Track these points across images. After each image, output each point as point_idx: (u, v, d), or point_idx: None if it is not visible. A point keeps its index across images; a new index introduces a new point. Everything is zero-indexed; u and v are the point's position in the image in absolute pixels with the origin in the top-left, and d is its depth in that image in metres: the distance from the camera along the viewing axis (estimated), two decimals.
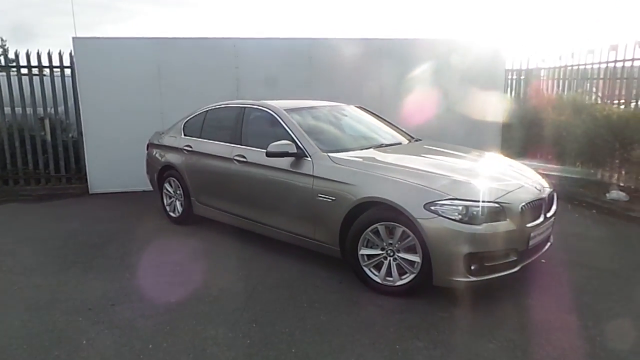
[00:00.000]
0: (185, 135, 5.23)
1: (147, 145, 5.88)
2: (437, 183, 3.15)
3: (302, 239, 3.87)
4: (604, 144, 5.97)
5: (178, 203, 5.29)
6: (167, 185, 5.40)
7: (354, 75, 7.33)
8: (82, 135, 7.09)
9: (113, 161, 7.03)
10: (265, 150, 4.06)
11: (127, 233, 5.00)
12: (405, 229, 3.16)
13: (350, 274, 3.57)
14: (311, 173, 3.69)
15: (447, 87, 7.57)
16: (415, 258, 3.17)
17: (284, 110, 4.26)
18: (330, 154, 3.73)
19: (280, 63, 7.22)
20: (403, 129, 4.87)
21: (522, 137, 7.62)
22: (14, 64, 7.07)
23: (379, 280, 3.33)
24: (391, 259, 3.29)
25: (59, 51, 7.09)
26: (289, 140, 3.89)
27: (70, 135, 7.49)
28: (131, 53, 6.91)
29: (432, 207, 3.02)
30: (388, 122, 4.92)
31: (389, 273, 3.30)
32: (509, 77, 8.68)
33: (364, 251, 3.37)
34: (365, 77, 7.37)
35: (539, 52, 11.37)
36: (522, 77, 8.75)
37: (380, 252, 3.33)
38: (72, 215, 5.81)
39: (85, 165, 7.15)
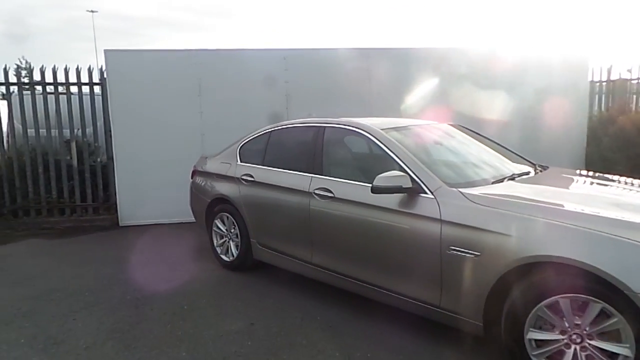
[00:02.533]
0: (242, 161, 4.29)
1: (192, 173, 4.96)
2: None
3: (420, 306, 2.84)
4: None
5: (232, 244, 4.32)
6: (218, 222, 4.45)
7: (417, 89, 6.38)
8: (112, 159, 6.25)
9: (147, 189, 6.15)
10: (362, 183, 3.11)
11: (171, 283, 4.03)
12: (607, 305, 2.11)
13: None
14: (437, 216, 2.68)
15: (526, 100, 6.60)
16: (621, 350, 2.12)
17: (381, 130, 3.29)
18: (461, 190, 2.73)
19: (335, 76, 6.31)
20: (516, 152, 3.85)
21: (611, 155, 6.55)
22: (39, 80, 6.28)
23: None
24: (577, 347, 2.24)
25: (88, 66, 6.30)
26: (400, 171, 2.91)
27: (98, 159, 6.66)
28: (168, 66, 6.10)
29: None
30: (497, 143, 3.90)
31: None
32: (595, 89, 7.63)
33: (534, 334, 2.32)
34: (433, 90, 6.41)
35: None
36: (608, 89, 7.68)
37: (560, 336, 2.28)
38: (100, 257, 4.87)
39: (115, 194, 6.29)
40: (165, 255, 4.86)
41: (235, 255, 4.27)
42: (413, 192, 2.83)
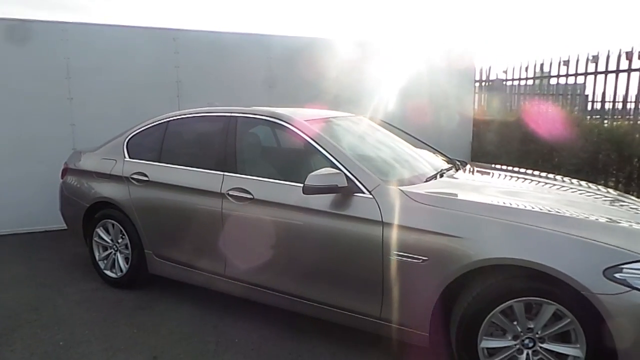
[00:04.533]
0: (131, 157, 3.57)
1: (63, 171, 4.04)
2: (611, 235, 2.07)
3: (356, 318, 2.54)
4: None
5: (121, 257, 3.59)
6: (100, 231, 3.66)
7: (321, 78, 6.13)
8: None
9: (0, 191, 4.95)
10: (287, 183, 2.71)
11: (40, 312, 3.19)
12: (561, 307, 2.03)
13: None
14: (378, 218, 2.40)
15: (416, 96, 6.77)
16: (573, 351, 2.06)
17: (306, 121, 2.91)
18: (402, 188, 2.48)
19: (233, 62, 5.76)
20: (433, 146, 3.78)
21: (493, 149, 7.11)
22: None
23: None
24: (529, 351, 2.13)
25: None
26: (332, 168, 2.57)
27: None
28: (26, 41, 4.94)
29: (618, 275, 1.93)
30: (414, 137, 3.78)
31: None
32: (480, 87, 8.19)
33: (488, 343, 2.16)
34: (334, 79, 6.20)
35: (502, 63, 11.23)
36: (487, 88, 8.30)
37: (512, 342, 2.15)
38: None
39: None
40: (28, 274, 3.90)
41: (124, 270, 3.54)
42: (348, 191, 2.51)
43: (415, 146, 3.54)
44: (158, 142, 3.47)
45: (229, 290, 3.03)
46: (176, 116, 3.48)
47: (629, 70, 5.80)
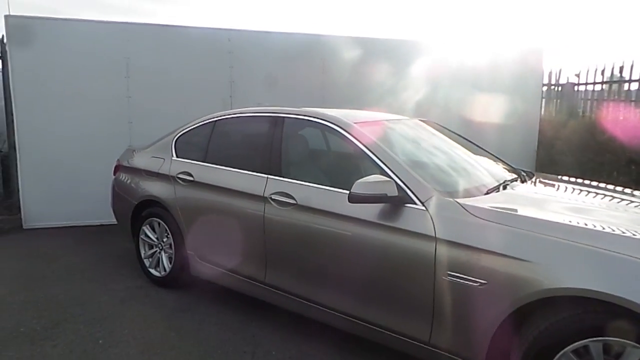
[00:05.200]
0: (179, 157, 3.54)
1: (115, 168, 4.11)
2: None
3: (404, 341, 2.31)
4: None
5: (165, 256, 3.57)
6: (147, 229, 3.66)
7: (379, 80, 5.90)
8: (14, 149, 5.16)
9: (59, 184, 5.16)
10: (333, 189, 2.53)
11: (85, 307, 3.21)
12: None
13: None
14: (431, 233, 2.16)
15: (480, 100, 6.36)
16: None
17: (355, 124, 2.71)
18: (459, 200, 2.22)
19: (286, 63, 5.67)
20: (495, 154, 3.44)
21: (562, 158, 6.54)
22: None
23: None
24: None
25: None
26: (382, 175, 2.36)
27: None
28: (90, 41, 5.12)
29: None
30: (474, 143, 3.47)
31: None
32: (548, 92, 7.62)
33: None
34: (392, 83, 5.96)
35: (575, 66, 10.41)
36: (557, 92, 7.70)
37: None
38: None
39: (18, 190, 5.22)
40: (79, 267, 3.98)
41: (168, 269, 3.52)
42: (399, 202, 2.29)
43: (475, 153, 3.24)
44: (205, 142, 3.41)
45: (269, 299, 2.90)
46: (224, 115, 3.41)
47: None
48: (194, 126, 3.57)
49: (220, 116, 3.42)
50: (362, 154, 2.54)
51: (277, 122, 2.99)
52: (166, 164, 3.55)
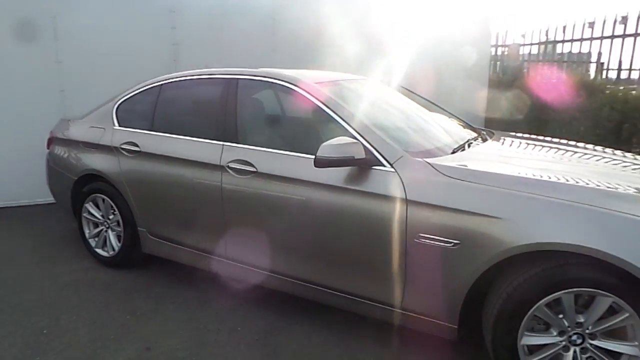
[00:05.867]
0: (121, 125, 3.23)
1: (49, 141, 3.71)
2: None
3: (375, 307, 2.25)
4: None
5: (113, 235, 3.30)
6: (90, 207, 3.36)
7: (328, 40, 5.68)
8: None
9: None
10: (296, 154, 2.37)
11: (25, 294, 2.92)
12: (619, 300, 1.73)
13: None
14: (401, 195, 2.07)
15: (429, 65, 6.33)
16: (628, 349, 1.78)
17: (316, 84, 2.55)
18: (429, 160, 2.15)
19: (234, 24, 5.32)
20: (457, 116, 3.40)
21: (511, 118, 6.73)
22: None
23: None
24: (577, 349, 1.85)
25: None
26: (348, 137, 2.23)
27: None
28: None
29: None
30: (432, 102, 3.40)
31: None
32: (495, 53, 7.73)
33: (530, 339, 1.87)
34: (343, 41, 5.75)
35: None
36: (503, 54, 7.84)
37: (558, 338, 1.86)
38: None
39: None
40: (16, 252, 3.62)
41: (117, 248, 3.26)
42: (366, 164, 2.18)
43: (435, 113, 3.18)
44: (150, 109, 3.12)
45: (231, 273, 2.75)
46: (170, 79, 3.12)
47: None
48: (137, 91, 3.26)
49: (166, 80, 3.13)
50: (325, 116, 2.39)
51: (230, 84, 2.76)
52: (107, 134, 3.23)
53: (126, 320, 2.62)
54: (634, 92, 5.54)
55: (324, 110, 2.39)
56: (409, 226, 2.05)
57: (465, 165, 2.09)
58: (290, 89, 2.54)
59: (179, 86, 3.07)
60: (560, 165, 2.39)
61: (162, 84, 3.13)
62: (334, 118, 2.35)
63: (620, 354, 1.80)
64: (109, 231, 3.31)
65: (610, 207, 1.75)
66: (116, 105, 3.31)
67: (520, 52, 7.75)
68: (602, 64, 6.69)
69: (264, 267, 2.55)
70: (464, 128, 3.08)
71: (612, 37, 6.13)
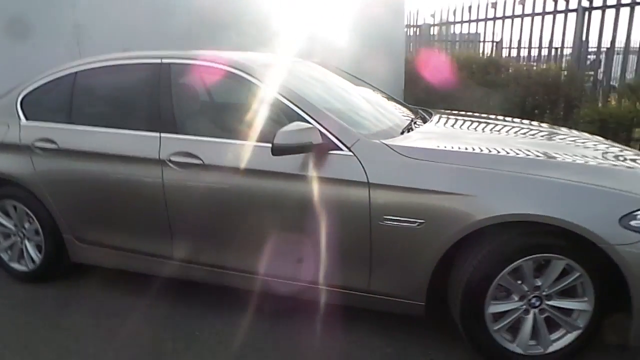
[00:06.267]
0: (29, 119, 2.82)
1: None
2: (615, 180, 1.92)
3: (342, 294, 2.22)
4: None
5: (30, 245, 2.90)
6: None
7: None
8: None
9: None
10: (246, 143, 2.24)
11: None
12: (571, 261, 1.87)
13: (438, 342, 2.18)
14: (362, 179, 2.04)
15: (347, 44, 6.37)
16: (579, 305, 1.95)
17: (258, 67, 2.41)
18: (386, 142, 2.14)
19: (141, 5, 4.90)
20: (391, 95, 3.44)
21: (425, 97, 7.06)
22: None
23: (520, 351, 1.99)
24: (536, 311, 1.98)
25: None
26: (303, 122, 2.14)
27: None
28: None
29: (633, 223, 1.79)
30: (369, 84, 3.41)
31: (533, 335, 1.99)
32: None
33: (495, 307, 1.97)
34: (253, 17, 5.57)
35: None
36: (417, 33, 8.13)
37: (519, 303, 1.98)
38: None
39: None
40: None
41: (38, 260, 2.87)
42: (323, 149, 2.12)
43: (374, 94, 3.18)
44: (65, 99, 2.75)
45: (181, 274, 2.55)
46: (87, 65, 2.76)
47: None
48: (46, 80, 2.84)
49: (82, 66, 2.76)
50: (274, 101, 2.27)
51: (162, 69, 2.51)
52: (13, 130, 2.80)
53: (62, 341, 2.32)
54: (534, 68, 6.07)
55: (273, 96, 2.27)
56: (372, 209, 2.03)
57: (421, 145, 2.12)
58: (234, 74, 2.37)
59: (98, 73, 2.73)
60: (505, 140, 2.51)
61: (77, 72, 2.76)
62: (284, 103, 2.24)
63: (572, 310, 1.97)
64: (26, 241, 2.90)
65: (561, 177, 1.88)
66: (20, 97, 2.87)
67: (430, 32, 8.10)
68: (500, 43, 7.23)
69: (218, 265, 2.40)
70: (403, 108, 3.12)
71: (513, 17, 6.61)
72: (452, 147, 2.11)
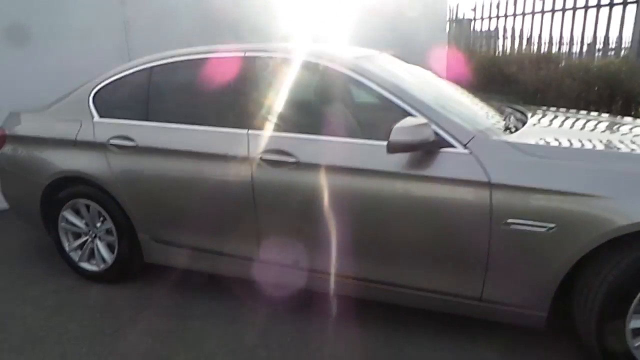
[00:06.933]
0: (103, 116, 2.71)
1: (0, 139, 3.06)
2: None
3: (449, 302, 2.07)
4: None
5: (102, 245, 2.80)
6: (69, 214, 2.82)
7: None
8: None
9: None
10: (345, 139, 2.12)
11: (6, 327, 2.39)
12: None
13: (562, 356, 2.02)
14: (483, 178, 1.89)
15: (388, 39, 6.20)
16: None
17: (354, 59, 2.26)
18: (505, 139, 1.98)
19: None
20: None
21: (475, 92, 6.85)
22: None
23: None
24: None
25: None
26: (418, 118, 1.99)
27: None
28: None
29: None
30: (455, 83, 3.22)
31: None
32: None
33: (637, 322, 1.80)
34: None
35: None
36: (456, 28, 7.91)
37: None
38: None
39: None
40: None
41: (110, 260, 2.78)
42: (435, 146, 1.97)
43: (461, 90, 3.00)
44: (141, 95, 2.64)
45: (268, 278, 2.42)
46: (162, 60, 2.64)
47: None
48: (118, 76, 2.74)
49: (157, 61, 2.65)
50: (374, 96, 2.12)
51: (246, 63, 2.38)
52: (86, 127, 2.71)
53: (151, 346, 2.22)
54: (595, 62, 5.81)
55: (373, 89, 2.13)
56: (494, 212, 1.87)
57: (547, 143, 1.95)
58: (327, 66, 2.23)
59: (176, 67, 2.61)
60: (618, 136, 2.30)
61: (153, 67, 2.65)
62: (386, 97, 2.09)
63: None
64: (97, 241, 2.81)
65: None
66: (92, 93, 2.78)
67: (471, 27, 7.87)
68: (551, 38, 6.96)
69: (315, 268, 2.27)
70: (498, 106, 2.91)
71: (564, 10, 6.36)
72: (581, 145, 1.94)
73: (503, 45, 7.32)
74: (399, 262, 2.10)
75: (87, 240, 2.84)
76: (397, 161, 2.01)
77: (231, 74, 2.41)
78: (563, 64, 6.02)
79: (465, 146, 1.95)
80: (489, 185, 1.87)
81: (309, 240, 2.23)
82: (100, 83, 2.79)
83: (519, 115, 2.69)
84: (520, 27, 7.09)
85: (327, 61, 2.25)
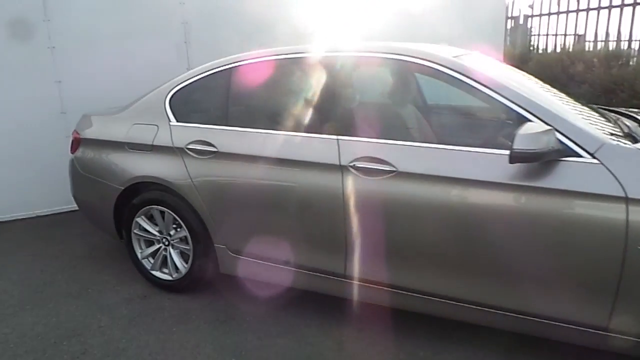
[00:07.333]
0: (180, 120, 2.63)
1: (73, 142, 3.04)
2: None
3: (570, 330, 1.86)
4: None
5: (175, 253, 2.72)
6: (142, 221, 2.76)
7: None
8: None
9: None
10: (448, 147, 1.93)
11: (85, 337, 2.33)
12: None
13: None
14: (619, 193, 1.67)
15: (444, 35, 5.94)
16: None
17: (454, 59, 2.08)
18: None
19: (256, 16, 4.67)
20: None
21: None
22: None
23: None
24: None
25: None
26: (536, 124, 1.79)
27: None
28: None
29: None
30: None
31: None
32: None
33: None
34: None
35: None
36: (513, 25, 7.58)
37: None
38: None
39: None
40: (46, 278, 2.96)
41: (184, 270, 2.69)
42: (558, 156, 1.76)
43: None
44: (221, 98, 2.55)
45: (355, 295, 2.27)
46: (242, 62, 2.53)
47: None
48: (195, 78, 2.66)
49: (237, 62, 2.54)
50: (484, 99, 1.94)
51: (343, 64, 2.23)
52: (163, 131, 2.63)
53: None
54: None
55: (481, 91, 1.94)
56: (630, 231, 1.66)
57: None
58: (428, 66, 2.06)
59: (258, 69, 2.49)
60: None
61: (232, 67, 2.54)
62: (498, 100, 1.90)
63: None
64: (170, 249, 2.73)
65: None
66: (169, 96, 2.70)
67: (529, 24, 7.52)
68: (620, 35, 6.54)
69: (413, 289, 2.09)
70: (586, 108, 2.67)
71: (622, 5, 5.96)
72: None
73: (564, 43, 6.94)
74: (504, 283, 1.91)
75: (159, 247, 2.77)
76: (515, 172, 1.81)
77: (317, 76, 2.27)
78: (634, 62, 5.63)
79: (593, 155, 1.74)
80: (626, 200, 1.66)
81: (409, 259, 2.06)
82: (177, 85, 2.71)
83: (626, 120, 2.43)
84: (584, 25, 6.70)
85: (423, 60, 2.08)
